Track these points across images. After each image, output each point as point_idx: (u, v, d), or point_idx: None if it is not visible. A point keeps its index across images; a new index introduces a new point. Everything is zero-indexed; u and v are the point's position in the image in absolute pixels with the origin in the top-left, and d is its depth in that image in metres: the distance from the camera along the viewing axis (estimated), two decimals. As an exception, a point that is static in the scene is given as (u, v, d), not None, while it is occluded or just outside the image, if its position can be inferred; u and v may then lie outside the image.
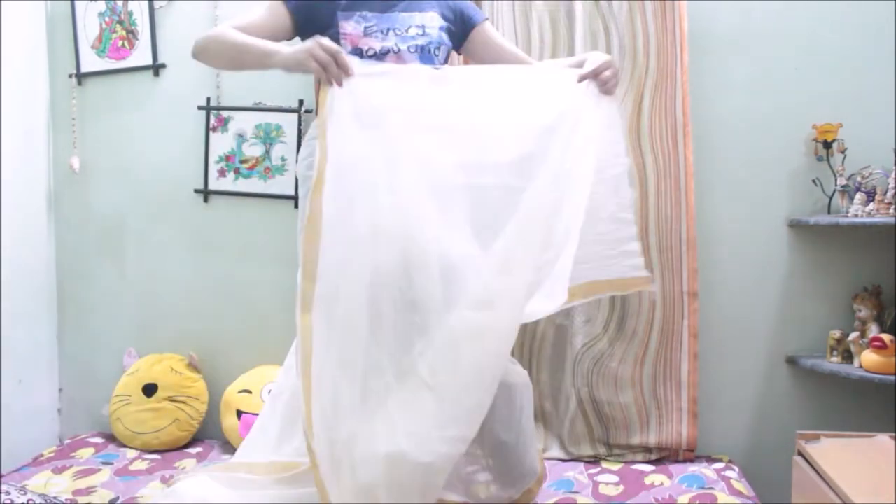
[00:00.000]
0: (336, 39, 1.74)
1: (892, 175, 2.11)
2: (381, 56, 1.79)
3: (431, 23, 1.85)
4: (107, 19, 2.67)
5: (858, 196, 2.15)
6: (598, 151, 1.70)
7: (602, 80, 1.72)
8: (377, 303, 1.58)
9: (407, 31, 1.82)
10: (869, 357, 2.09)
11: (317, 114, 1.67)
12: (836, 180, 2.22)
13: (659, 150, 2.30)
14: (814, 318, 2.32)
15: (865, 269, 2.28)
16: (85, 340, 2.73)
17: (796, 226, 2.31)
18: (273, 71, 2.51)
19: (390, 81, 1.67)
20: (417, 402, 1.55)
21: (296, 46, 1.65)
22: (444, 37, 1.88)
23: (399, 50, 1.80)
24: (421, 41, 1.82)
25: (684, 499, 2.00)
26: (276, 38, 1.78)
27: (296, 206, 2.55)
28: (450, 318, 1.56)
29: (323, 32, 1.72)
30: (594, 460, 2.32)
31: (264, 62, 1.70)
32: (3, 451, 2.39)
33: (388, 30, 1.80)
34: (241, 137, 2.59)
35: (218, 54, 1.79)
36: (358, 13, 1.79)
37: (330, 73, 1.57)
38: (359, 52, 1.78)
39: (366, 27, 1.80)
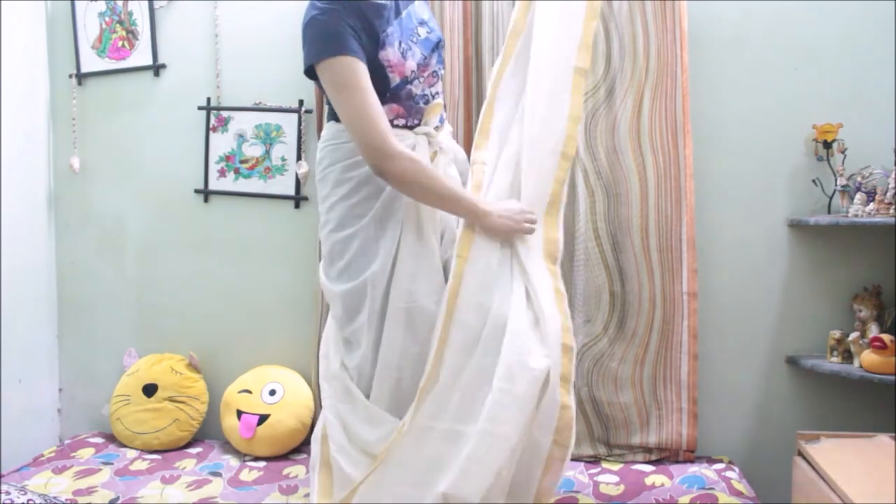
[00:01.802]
0: (383, 74, 1.69)
1: (892, 175, 2.11)
2: (418, 72, 1.75)
3: (423, 12, 1.83)
4: (107, 19, 2.66)
5: (858, 196, 2.15)
6: None
7: None
8: None
9: (418, 33, 1.77)
10: (869, 357, 2.09)
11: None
12: (836, 180, 2.22)
13: (659, 149, 2.30)
14: (814, 318, 2.32)
15: (865, 269, 2.28)
16: (85, 340, 2.73)
17: (796, 226, 2.31)
18: (273, 71, 2.56)
19: None
20: None
21: (503, 212, 1.71)
22: (437, 23, 1.89)
23: (425, 57, 1.77)
24: (432, 37, 1.81)
25: (685, 499, 2.00)
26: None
27: (296, 206, 2.56)
28: None
29: (369, 65, 1.66)
30: (594, 460, 2.32)
31: (470, 219, 1.73)
32: (3, 451, 2.39)
33: (409, 40, 1.74)
34: (241, 137, 2.59)
35: (420, 195, 1.72)
36: (383, 33, 1.69)
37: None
38: (405, 81, 1.73)
39: (399, 48, 1.71)
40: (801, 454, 1.61)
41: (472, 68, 2.38)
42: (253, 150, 2.59)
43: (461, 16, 2.37)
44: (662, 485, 2.11)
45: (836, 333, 2.21)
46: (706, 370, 2.34)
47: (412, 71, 1.73)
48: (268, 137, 2.57)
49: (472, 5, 2.37)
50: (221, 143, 2.61)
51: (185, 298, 2.66)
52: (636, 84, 2.31)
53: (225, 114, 2.60)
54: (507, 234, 1.72)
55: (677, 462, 2.28)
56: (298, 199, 2.56)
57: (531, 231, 1.73)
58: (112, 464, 2.33)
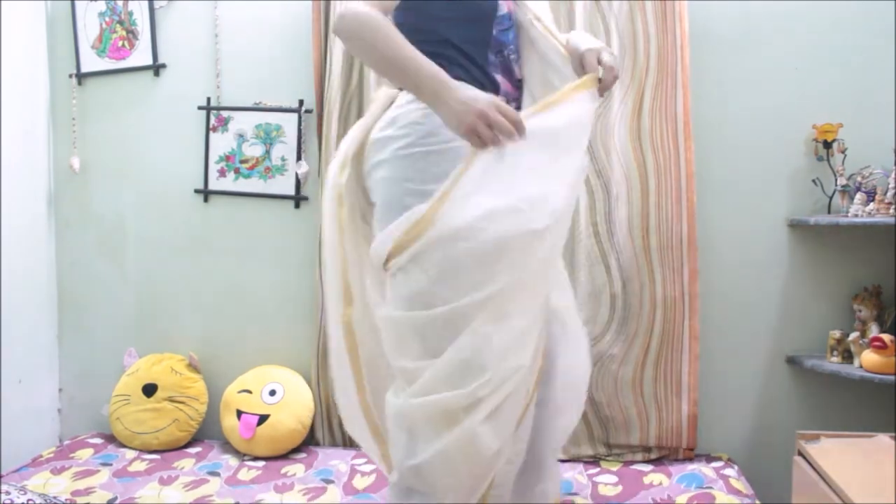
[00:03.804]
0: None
1: (892, 175, 2.11)
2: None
3: None
4: (107, 19, 2.67)
5: (858, 196, 2.15)
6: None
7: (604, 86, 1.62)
8: None
9: None
10: (869, 357, 2.09)
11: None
12: (836, 180, 2.22)
13: (659, 149, 2.30)
14: (814, 318, 2.32)
15: (865, 269, 2.27)
16: (85, 340, 2.73)
17: (796, 226, 2.31)
18: (273, 71, 2.56)
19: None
20: None
21: (464, 99, 1.38)
22: None
23: None
24: None
25: (682, 499, 2.00)
26: None
27: (296, 206, 2.56)
28: None
29: None
30: (594, 460, 2.32)
31: (417, 94, 1.46)
32: (3, 451, 2.39)
33: None
34: (241, 137, 2.59)
35: (364, 52, 1.51)
36: None
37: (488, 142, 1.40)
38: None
39: None
40: (801, 454, 1.60)
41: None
42: (253, 150, 2.59)
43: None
44: (661, 484, 2.11)
45: (836, 333, 2.21)
46: (706, 370, 2.34)
47: None
48: (268, 137, 2.57)
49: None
50: (221, 143, 2.61)
51: (185, 298, 2.66)
52: (636, 83, 2.30)
53: (225, 114, 2.60)
54: (467, 134, 1.40)
55: (676, 460, 2.28)
56: (298, 199, 2.56)
57: (484, 136, 1.38)
58: (111, 465, 2.33)
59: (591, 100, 1.58)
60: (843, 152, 2.22)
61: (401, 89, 1.58)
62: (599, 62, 1.59)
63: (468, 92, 1.42)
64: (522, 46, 1.70)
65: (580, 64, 1.62)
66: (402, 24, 1.52)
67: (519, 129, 1.40)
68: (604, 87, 1.60)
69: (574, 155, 1.57)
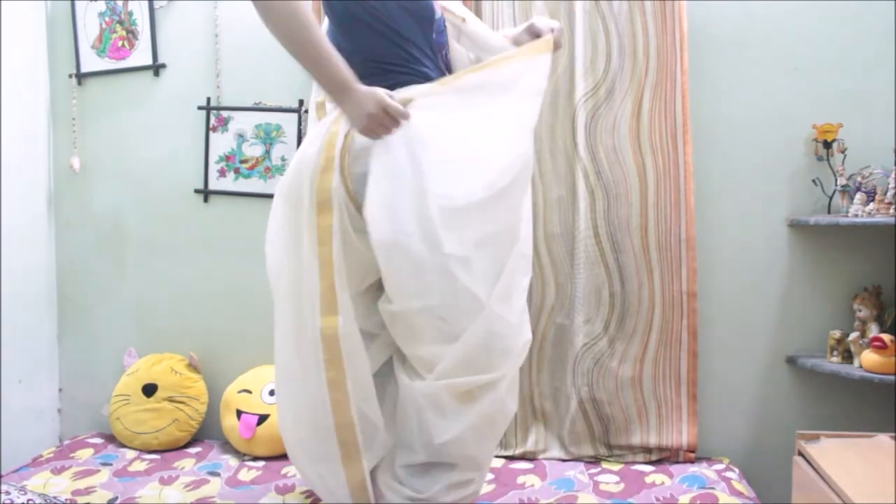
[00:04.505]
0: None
1: (892, 175, 2.11)
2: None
3: None
4: (107, 19, 2.67)
5: (858, 196, 2.15)
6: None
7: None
8: None
9: None
10: (869, 357, 2.09)
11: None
12: (836, 180, 2.22)
13: (659, 150, 2.31)
14: (814, 318, 2.32)
15: (865, 269, 2.28)
16: (85, 340, 2.73)
17: (796, 226, 2.31)
18: (273, 70, 2.56)
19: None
20: None
21: (361, 101, 1.52)
22: None
23: None
24: None
25: (685, 498, 2.00)
26: None
27: (296, 206, 2.56)
28: None
29: None
30: (594, 460, 2.32)
31: (321, 84, 1.57)
32: (3, 451, 2.39)
33: None
34: (241, 137, 2.59)
35: (287, 39, 1.53)
36: None
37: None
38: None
39: None
40: (801, 454, 1.61)
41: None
42: (253, 150, 2.59)
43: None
44: (663, 483, 2.11)
45: (836, 333, 2.21)
46: (706, 370, 2.34)
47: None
48: (268, 137, 2.57)
49: (472, 5, 2.37)
50: (221, 143, 2.61)
51: (185, 298, 2.66)
52: (636, 84, 2.31)
53: (225, 114, 2.60)
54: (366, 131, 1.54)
55: (677, 462, 2.28)
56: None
57: (382, 130, 1.53)
58: (111, 464, 2.33)
59: (547, 59, 1.76)
60: (843, 152, 2.22)
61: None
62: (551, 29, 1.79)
63: (363, 93, 1.53)
64: (451, 48, 1.79)
65: (532, 34, 1.80)
66: (369, 26, 1.60)
67: (403, 117, 1.53)
68: (556, 44, 1.81)
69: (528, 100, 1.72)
